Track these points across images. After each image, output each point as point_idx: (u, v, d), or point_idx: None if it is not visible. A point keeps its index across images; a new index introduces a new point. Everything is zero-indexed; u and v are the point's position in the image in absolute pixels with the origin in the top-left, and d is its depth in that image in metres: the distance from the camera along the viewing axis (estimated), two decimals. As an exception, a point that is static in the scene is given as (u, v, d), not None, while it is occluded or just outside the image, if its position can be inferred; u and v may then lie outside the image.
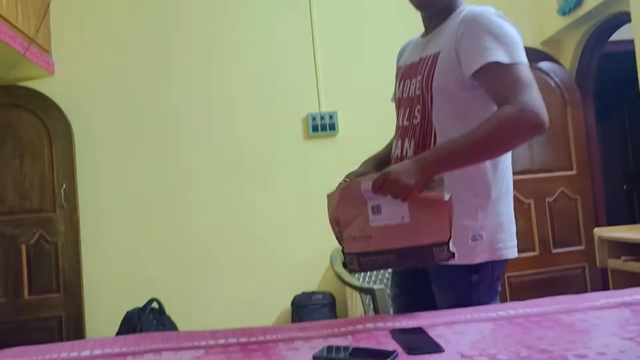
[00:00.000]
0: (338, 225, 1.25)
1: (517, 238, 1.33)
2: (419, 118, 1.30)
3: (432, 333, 1.06)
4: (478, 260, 1.27)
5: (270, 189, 3.61)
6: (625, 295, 1.15)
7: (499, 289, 1.35)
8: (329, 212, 1.28)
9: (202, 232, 3.54)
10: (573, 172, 3.40)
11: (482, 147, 1.16)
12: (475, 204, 1.27)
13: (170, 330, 3.17)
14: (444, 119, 1.27)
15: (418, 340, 1.03)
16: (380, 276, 2.58)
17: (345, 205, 1.23)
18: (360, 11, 3.74)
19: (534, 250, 3.30)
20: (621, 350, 0.91)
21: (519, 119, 1.13)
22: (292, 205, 3.62)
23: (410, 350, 0.98)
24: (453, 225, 1.14)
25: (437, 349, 0.98)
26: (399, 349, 1.00)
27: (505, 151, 1.25)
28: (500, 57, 1.18)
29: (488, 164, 1.26)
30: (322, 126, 3.61)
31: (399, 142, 1.37)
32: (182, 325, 3.29)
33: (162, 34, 3.59)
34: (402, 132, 1.36)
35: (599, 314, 1.06)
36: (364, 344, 1.05)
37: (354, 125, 3.68)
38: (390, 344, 1.03)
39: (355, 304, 3.21)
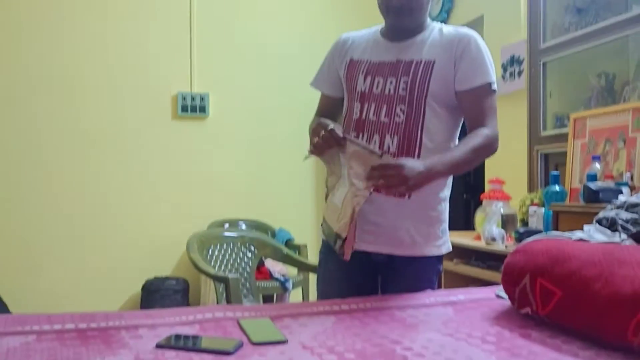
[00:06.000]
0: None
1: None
2: (402, 117, 1.38)
3: (279, 324, 1.10)
4: (444, 250, 1.45)
5: (130, 166, 3.43)
6: (451, 295, 1.26)
7: None
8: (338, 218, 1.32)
9: (47, 208, 3.30)
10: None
11: (470, 161, 1.34)
12: (441, 198, 1.44)
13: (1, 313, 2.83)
14: (434, 122, 1.39)
15: (263, 331, 1.06)
16: (236, 265, 2.52)
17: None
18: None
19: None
20: (441, 345, 0.99)
21: (494, 142, 1.38)
22: (152, 185, 3.46)
23: (255, 341, 1.01)
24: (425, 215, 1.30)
25: (280, 339, 1.02)
26: (245, 339, 1.02)
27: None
28: (494, 82, 1.41)
29: None
30: (192, 107, 3.52)
31: (375, 136, 1.40)
32: (17, 309, 2.96)
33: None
34: (374, 126, 1.40)
35: (427, 311, 1.15)
36: (210, 333, 1.06)
37: (224, 109, 3.61)
38: (237, 334, 1.05)
39: (209, 292, 3.09)
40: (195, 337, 1.02)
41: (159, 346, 0.98)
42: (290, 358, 0.92)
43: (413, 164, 1.22)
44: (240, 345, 0.98)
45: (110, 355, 0.92)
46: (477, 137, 1.35)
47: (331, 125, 1.29)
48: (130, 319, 1.11)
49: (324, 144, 1.30)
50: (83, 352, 0.94)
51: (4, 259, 3.22)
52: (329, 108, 1.58)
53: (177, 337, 1.02)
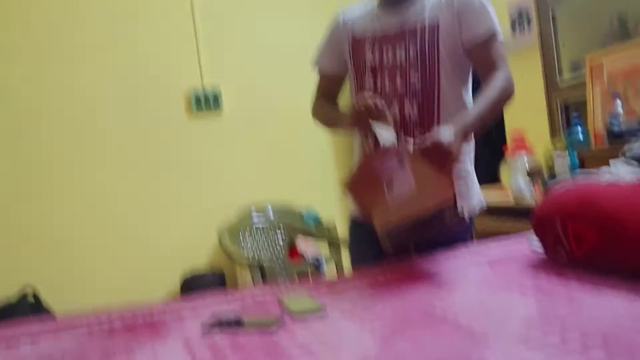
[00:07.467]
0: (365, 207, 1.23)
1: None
2: (418, 84, 1.38)
3: (317, 298, 1.12)
4: (480, 206, 1.48)
5: (154, 167, 3.46)
6: (485, 251, 1.27)
7: None
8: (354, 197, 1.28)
9: (76, 214, 3.32)
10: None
11: (496, 110, 1.33)
12: (466, 151, 1.46)
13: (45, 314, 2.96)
14: (448, 84, 1.39)
15: (303, 305, 1.08)
16: (270, 250, 2.57)
17: (365, 187, 1.22)
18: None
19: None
20: (480, 301, 1.00)
21: (510, 86, 1.37)
22: (177, 184, 3.49)
23: (296, 315, 1.03)
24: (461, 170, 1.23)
25: (321, 310, 1.03)
26: (286, 314, 1.04)
27: None
28: (499, 30, 1.40)
29: None
30: (207, 103, 3.53)
31: (394, 103, 1.40)
32: (58, 307, 3.08)
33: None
34: (392, 96, 1.40)
35: (464, 271, 1.19)
36: (251, 311, 1.08)
37: (238, 102, 3.61)
38: (277, 310, 1.07)
39: (246, 280, 3.11)
40: (238, 316, 1.04)
41: (204, 327, 1.00)
42: (333, 327, 0.94)
43: (445, 134, 1.17)
44: (281, 320, 1.00)
45: (160, 342, 0.95)
46: (494, 87, 1.34)
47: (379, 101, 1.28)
48: (174, 307, 1.14)
49: (365, 113, 1.28)
50: (134, 342, 0.97)
51: (43, 270, 3.27)
52: (331, 87, 1.58)
53: (221, 317, 1.04)
